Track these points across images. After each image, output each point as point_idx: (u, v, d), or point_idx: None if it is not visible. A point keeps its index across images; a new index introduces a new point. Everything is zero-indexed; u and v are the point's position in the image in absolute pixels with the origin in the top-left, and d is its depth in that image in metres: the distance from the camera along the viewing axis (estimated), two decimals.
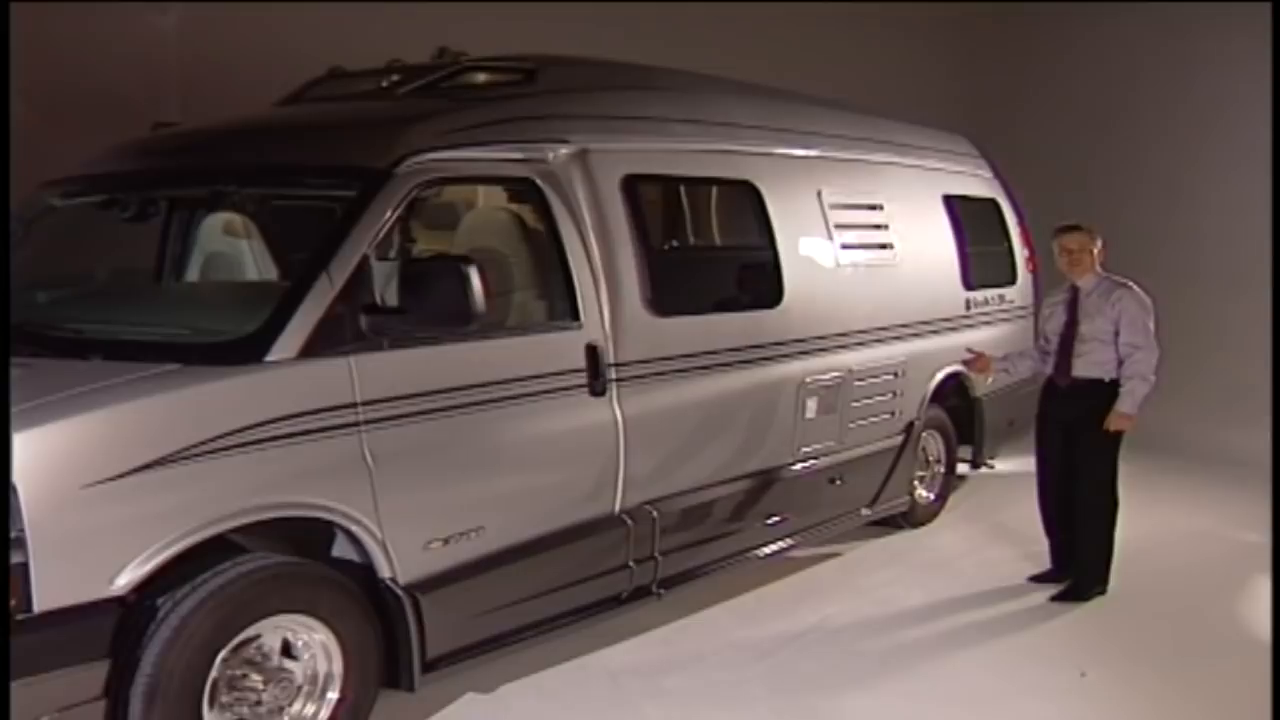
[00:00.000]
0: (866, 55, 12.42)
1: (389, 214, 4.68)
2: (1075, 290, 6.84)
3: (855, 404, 7.07)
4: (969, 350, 7.31)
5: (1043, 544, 7.19)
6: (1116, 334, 6.65)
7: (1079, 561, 6.93)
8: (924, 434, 8.00)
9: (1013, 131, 12.57)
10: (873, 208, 7.47)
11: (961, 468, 8.73)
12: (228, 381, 4.15)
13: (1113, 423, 6.67)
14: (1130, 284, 6.76)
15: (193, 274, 5.92)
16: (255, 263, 5.84)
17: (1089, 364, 6.72)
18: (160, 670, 3.89)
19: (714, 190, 6.70)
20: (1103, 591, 6.88)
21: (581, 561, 5.37)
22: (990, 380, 7.61)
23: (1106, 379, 6.69)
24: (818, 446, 6.80)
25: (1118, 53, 12.50)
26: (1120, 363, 6.67)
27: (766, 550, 6.58)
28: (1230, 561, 7.63)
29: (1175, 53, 11.89)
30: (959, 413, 8.48)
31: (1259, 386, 9.77)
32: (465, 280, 4.49)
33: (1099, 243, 6.81)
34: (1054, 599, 6.86)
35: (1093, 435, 6.77)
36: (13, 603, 3.60)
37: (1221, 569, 7.47)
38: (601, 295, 5.44)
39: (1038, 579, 7.11)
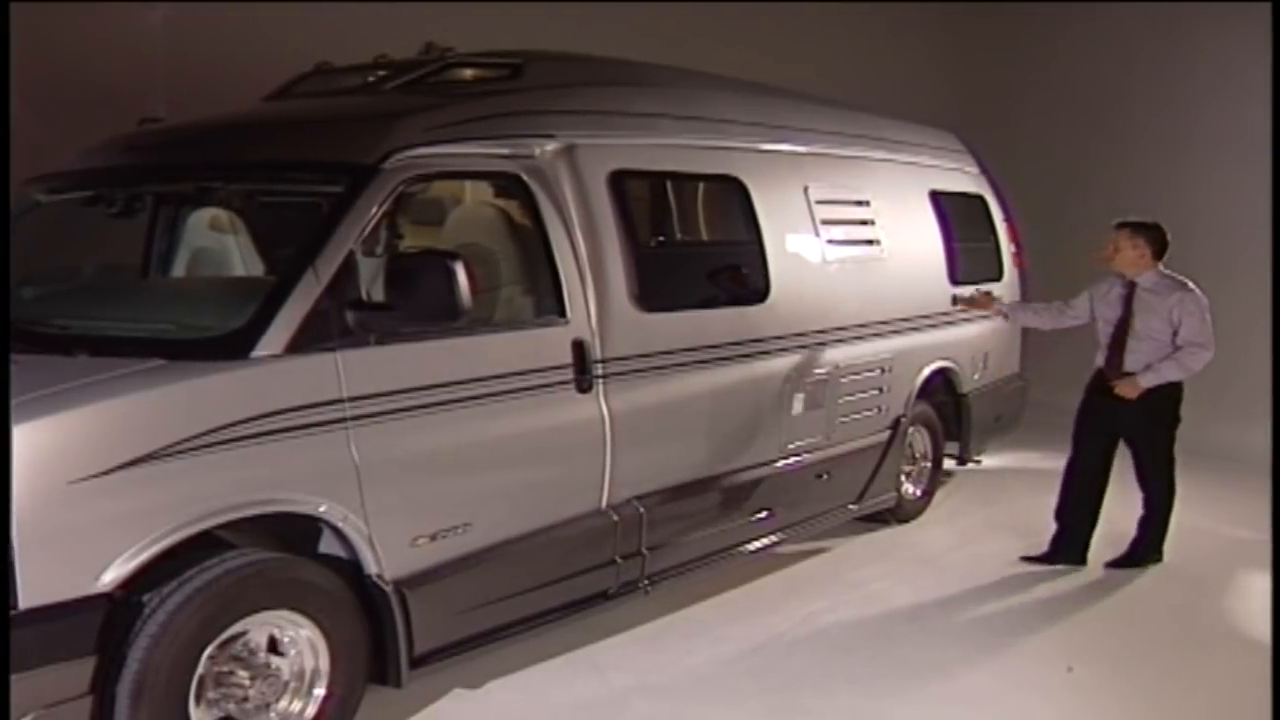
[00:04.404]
0: (857, 51, 12.45)
1: (375, 210, 4.67)
2: (1132, 285, 6.94)
3: (842, 400, 7.08)
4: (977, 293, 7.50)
5: (1030, 538, 7.26)
6: (1174, 334, 6.79)
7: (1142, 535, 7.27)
8: (911, 430, 8.01)
9: (1005, 127, 12.59)
10: (859, 204, 7.48)
11: (948, 463, 8.75)
12: (214, 377, 4.14)
13: (1121, 385, 6.91)
14: (1189, 284, 6.89)
15: (179, 270, 5.91)
16: (241, 259, 5.83)
17: (1140, 361, 6.87)
18: (147, 667, 3.88)
19: (701, 186, 6.69)
20: (1159, 559, 7.18)
21: (568, 557, 5.37)
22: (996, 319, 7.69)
23: None
24: (804, 442, 6.80)
25: (1110, 48, 12.51)
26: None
27: (754, 546, 6.59)
28: (1223, 558, 7.66)
29: (1168, 48, 11.90)
30: (946, 408, 8.51)
31: (1250, 383, 9.79)
32: (452, 276, 4.49)
33: (1141, 242, 6.98)
34: (1110, 565, 7.18)
35: (1150, 430, 7.05)
36: None
37: (1215, 565, 7.48)
38: (588, 291, 5.44)
39: (1031, 559, 7.30)
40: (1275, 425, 9.14)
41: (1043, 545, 7.40)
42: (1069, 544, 7.28)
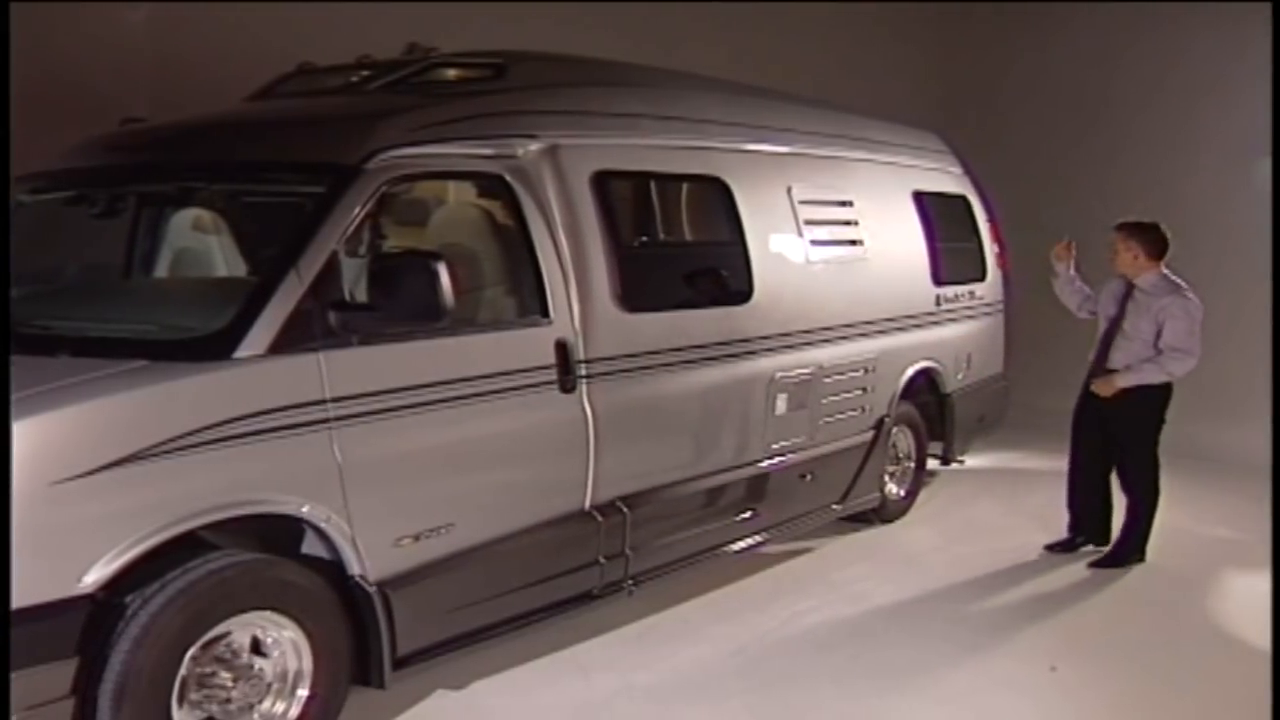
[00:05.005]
0: (841, 52, 12.44)
1: (358, 210, 4.67)
2: (1131, 286, 7.02)
3: (826, 400, 7.09)
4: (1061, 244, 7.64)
5: (1013, 539, 7.34)
6: (1158, 336, 6.85)
7: (1123, 533, 7.34)
8: (894, 430, 8.02)
9: (989, 128, 12.59)
10: (843, 204, 7.49)
11: (932, 463, 8.77)
12: (196, 378, 4.13)
13: (1098, 383, 7.05)
14: (1183, 288, 6.93)
15: (161, 270, 5.89)
16: (224, 259, 5.81)
17: (1123, 360, 6.97)
18: (129, 668, 3.88)
19: (684, 186, 6.70)
20: (1141, 559, 7.23)
21: (552, 557, 5.37)
22: (1067, 267, 7.71)
23: None
24: (788, 442, 6.81)
25: (1097, 47, 12.50)
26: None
27: (738, 546, 6.59)
28: (1206, 558, 7.69)
29: (1157, 48, 11.90)
30: (930, 409, 8.53)
31: (1230, 383, 9.83)
32: (434, 276, 4.48)
33: (1134, 244, 7.05)
34: (1093, 565, 7.24)
35: (1132, 431, 7.13)
36: None
37: (1198, 565, 7.51)
38: (571, 291, 5.44)
39: (1053, 547, 7.49)
40: (1275, 427, 9.16)
41: (1032, 544, 7.54)
42: (1086, 528, 7.45)
